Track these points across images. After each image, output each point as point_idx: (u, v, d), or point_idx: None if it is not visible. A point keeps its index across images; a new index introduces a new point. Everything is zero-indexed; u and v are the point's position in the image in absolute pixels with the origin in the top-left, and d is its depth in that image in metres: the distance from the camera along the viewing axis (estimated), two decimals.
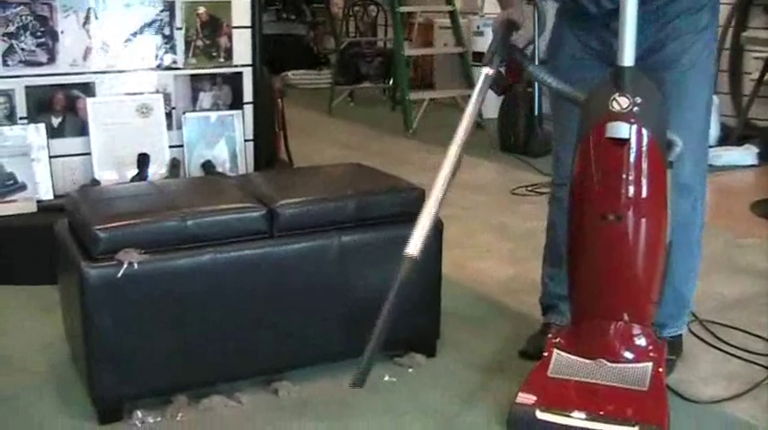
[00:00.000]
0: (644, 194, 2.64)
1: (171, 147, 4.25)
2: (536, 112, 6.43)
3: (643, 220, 2.66)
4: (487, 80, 2.78)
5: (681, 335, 3.11)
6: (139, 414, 2.66)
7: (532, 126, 6.39)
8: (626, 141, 2.59)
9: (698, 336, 3.23)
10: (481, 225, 4.65)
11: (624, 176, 2.63)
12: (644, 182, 2.63)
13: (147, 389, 2.68)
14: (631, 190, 2.63)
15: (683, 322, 3.11)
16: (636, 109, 2.57)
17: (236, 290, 2.69)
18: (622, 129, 2.59)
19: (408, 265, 2.52)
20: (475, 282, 3.84)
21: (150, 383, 2.67)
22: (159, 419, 2.67)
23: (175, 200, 2.84)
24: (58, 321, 3.10)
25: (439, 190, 2.63)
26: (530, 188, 5.41)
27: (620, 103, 2.59)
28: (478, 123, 7.36)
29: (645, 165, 2.62)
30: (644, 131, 2.60)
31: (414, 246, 2.54)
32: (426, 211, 2.59)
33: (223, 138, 4.35)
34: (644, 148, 2.61)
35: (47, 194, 4.01)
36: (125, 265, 2.54)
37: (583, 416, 2.56)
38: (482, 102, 2.81)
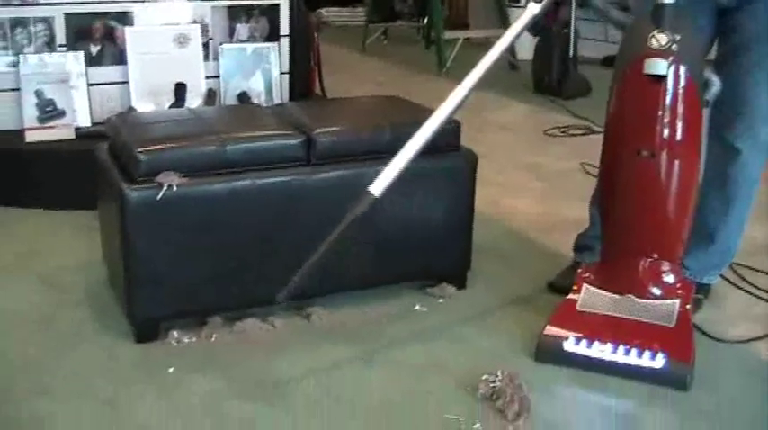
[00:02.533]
0: (679, 132, 2.65)
1: (207, 77, 4.29)
2: (571, 55, 6.40)
3: (676, 160, 2.67)
4: (531, 19, 2.69)
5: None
6: (175, 334, 2.74)
7: (567, 68, 6.37)
8: (663, 78, 2.60)
9: (726, 278, 3.24)
10: (513, 164, 4.66)
11: (660, 113, 2.64)
12: (679, 120, 2.64)
13: (183, 310, 2.75)
14: (666, 127, 2.64)
15: (722, 271, 3.15)
16: (674, 46, 2.56)
17: (272, 215, 2.74)
18: (660, 66, 2.58)
19: (367, 203, 2.49)
20: (506, 218, 3.87)
21: (186, 304, 2.74)
22: (194, 340, 2.74)
23: (214, 126, 2.88)
24: (95, 244, 3.17)
25: (427, 130, 2.58)
26: (563, 129, 5.40)
27: (659, 39, 2.58)
28: (512, 64, 7.36)
29: (681, 103, 2.63)
30: (681, 69, 2.60)
31: (378, 186, 2.51)
32: (403, 153, 2.55)
33: (259, 71, 4.38)
34: (681, 86, 2.61)
35: (85, 121, 4.07)
36: (165, 188, 2.59)
37: (609, 348, 2.60)
38: (516, 39, 2.74)
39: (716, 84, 2.67)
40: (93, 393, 2.46)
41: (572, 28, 6.34)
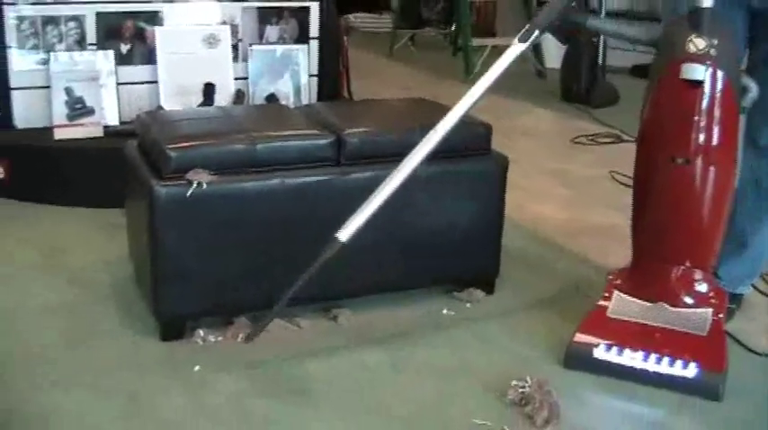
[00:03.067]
0: (715, 139, 2.61)
1: (236, 79, 4.28)
2: (599, 63, 6.35)
3: (712, 167, 2.63)
4: (515, 58, 2.64)
5: None
6: (201, 332, 2.72)
7: (596, 76, 6.33)
8: (700, 83, 2.56)
9: (758, 289, 3.20)
10: (540, 170, 4.62)
11: (696, 119, 2.60)
12: (716, 126, 2.60)
13: (210, 309, 2.74)
14: (702, 133, 2.60)
15: (754, 280, 3.10)
16: (712, 51, 2.53)
17: (300, 215, 2.72)
18: (698, 71, 2.55)
19: (335, 249, 2.50)
20: (534, 223, 3.83)
21: (213, 303, 2.72)
22: (220, 339, 2.73)
23: (244, 124, 2.87)
24: (121, 242, 3.16)
25: (400, 176, 2.55)
26: (591, 137, 5.36)
27: (697, 44, 2.54)
28: (539, 71, 7.32)
29: (718, 109, 2.59)
30: (719, 74, 2.56)
31: (347, 232, 2.50)
32: (374, 200, 2.53)
33: (288, 72, 4.37)
34: (718, 92, 2.57)
35: (113, 120, 4.07)
36: (194, 185, 2.58)
37: (641, 356, 2.56)
38: (500, 80, 2.65)
39: (753, 89, 2.63)
40: (116, 388, 2.45)
41: (601, 36, 6.29)
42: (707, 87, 2.57)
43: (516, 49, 2.67)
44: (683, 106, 2.62)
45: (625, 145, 5.19)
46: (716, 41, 2.52)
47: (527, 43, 2.67)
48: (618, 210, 4.00)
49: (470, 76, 7.02)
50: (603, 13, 6.50)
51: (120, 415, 2.34)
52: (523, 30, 2.70)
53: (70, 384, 2.46)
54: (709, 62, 2.53)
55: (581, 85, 6.34)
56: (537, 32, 2.68)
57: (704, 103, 2.58)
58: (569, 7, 2.75)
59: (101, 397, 2.40)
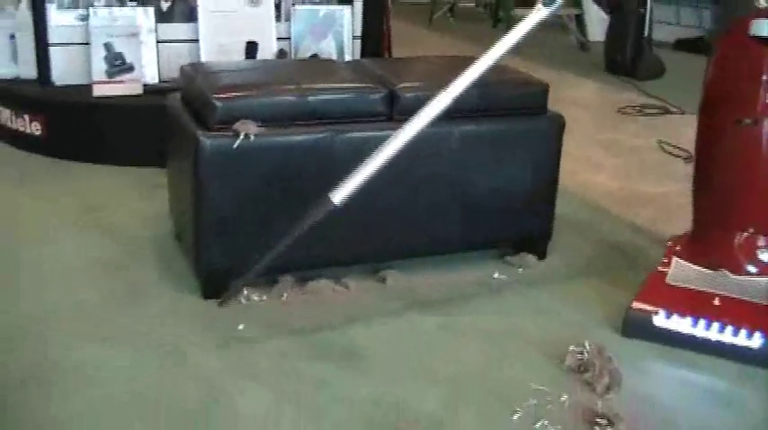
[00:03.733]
0: None
1: (278, 39, 4.18)
2: (645, 34, 6.20)
3: None
4: (538, 23, 2.47)
5: None
6: (245, 291, 2.63)
7: (641, 48, 6.17)
8: None
9: None
10: (589, 139, 4.50)
11: (765, 78, 2.48)
12: None
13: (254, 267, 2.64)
14: None
15: None
16: None
17: (350, 171, 2.61)
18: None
19: (326, 209, 2.39)
20: (584, 190, 3.72)
21: (258, 260, 2.62)
22: (264, 298, 2.64)
23: (293, 76, 2.76)
24: (160, 200, 3.10)
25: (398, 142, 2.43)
26: (637, 108, 5.23)
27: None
28: (582, 44, 7.17)
29: None
30: None
31: (341, 194, 2.39)
32: (370, 164, 2.41)
33: (331, 33, 4.26)
34: None
35: (153, 78, 3.99)
36: (241, 136, 2.48)
37: (703, 325, 2.45)
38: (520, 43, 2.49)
39: None
40: (157, 344, 2.37)
41: (648, 6, 6.13)
42: None
43: (539, 14, 2.47)
44: (750, 65, 2.50)
45: (672, 116, 5.07)
46: None
47: (552, 8, 2.48)
48: (667, 178, 3.90)
49: None
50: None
51: (160, 371, 2.26)
52: None
53: (111, 339, 2.39)
54: None
55: (626, 57, 6.19)
56: None
57: None
58: None
59: (142, 352, 2.33)
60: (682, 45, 7.23)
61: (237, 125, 2.49)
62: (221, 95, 2.53)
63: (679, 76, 5.99)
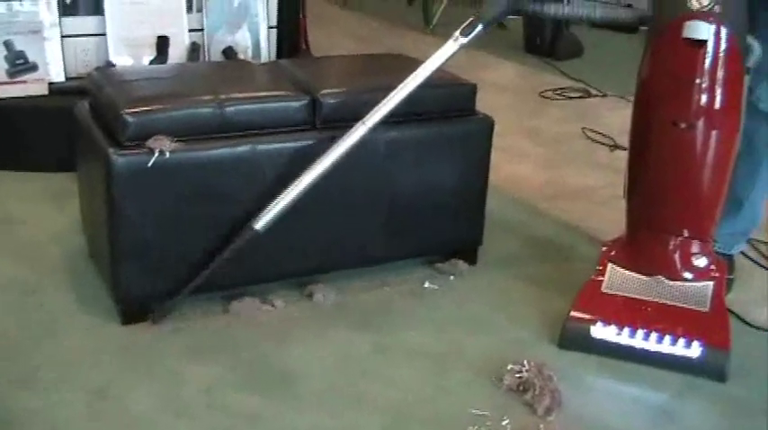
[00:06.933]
0: (718, 101, 2.43)
1: (190, 31, 3.99)
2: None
3: (715, 131, 2.46)
4: (454, 53, 2.51)
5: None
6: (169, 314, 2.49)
7: (560, 28, 6.11)
8: (704, 43, 2.38)
9: (749, 257, 3.05)
10: (511, 127, 4.41)
11: (699, 81, 2.42)
12: (719, 89, 2.42)
13: (176, 289, 2.49)
14: (705, 96, 2.42)
15: (747, 238, 2.96)
16: (717, 7, 2.35)
17: (274, 184, 2.48)
18: (701, 29, 2.37)
19: (249, 236, 2.42)
20: (512, 185, 3.63)
21: (179, 282, 2.48)
22: (187, 321, 2.50)
23: (209, 84, 2.61)
24: (71, 210, 2.93)
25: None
26: (558, 92, 5.17)
27: (701, 0, 2.35)
28: (501, 23, 7.08)
29: (722, 71, 2.41)
30: (723, 32, 2.38)
31: (263, 221, 2.42)
32: (292, 190, 2.44)
33: (246, 24, 4.09)
34: (722, 52, 2.39)
35: (58, 76, 3.77)
36: (156, 154, 2.33)
37: (641, 335, 2.40)
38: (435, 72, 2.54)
39: (757, 49, 2.46)
40: (81, 383, 2.22)
41: None
42: (710, 47, 2.39)
43: (456, 44, 2.51)
44: (684, 67, 2.44)
45: (593, 100, 5.04)
46: None
47: (469, 38, 2.51)
48: (595, 169, 3.87)
49: (430, 27, 6.78)
50: None
51: (86, 414, 2.11)
52: (466, 22, 2.53)
53: (29, 381, 2.22)
54: (713, 19, 2.35)
55: (545, 37, 6.13)
56: (480, 27, 2.52)
57: (707, 64, 2.40)
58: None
59: (62, 394, 2.17)
60: (597, 23, 7.20)
61: (151, 142, 2.34)
62: (133, 110, 2.37)
63: (599, 56, 5.98)
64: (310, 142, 2.52)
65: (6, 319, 2.50)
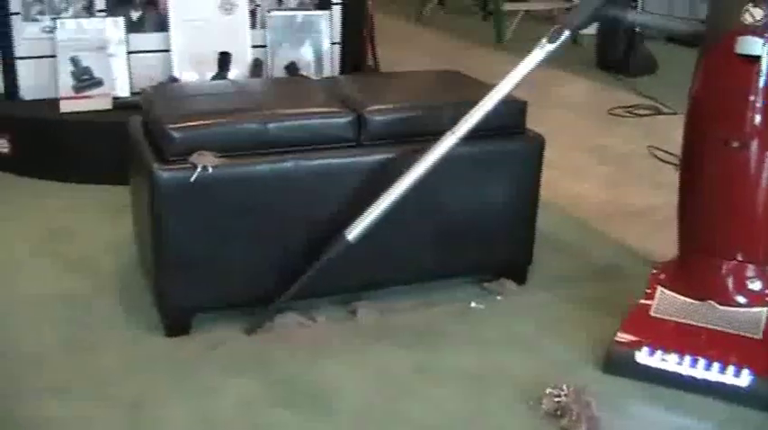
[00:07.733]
0: None
1: (254, 47, 4.04)
2: (637, 29, 6.04)
3: None
4: (542, 60, 2.50)
5: None
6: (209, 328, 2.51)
7: (633, 44, 6.01)
8: (758, 59, 2.32)
9: None
10: (576, 145, 4.36)
11: (752, 99, 2.36)
12: None
13: (218, 303, 2.52)
14: (759, 115, 2.36)
15: None
16: None
17: (317, 201, 2.49)
18: (755, 45, 2.32)
19: (342, 247, 2.45)
20: (569, 204, 3.58)
21: (222, 296, 2.50)
22: (230, 335, 2.51)
23: (257, 101, 2.64)
24: (126, 223, 2.96)
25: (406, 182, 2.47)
26: (628, 109, 5.08)
27: (754, 14, 2.31)
28: (574, 38, 7.01)
29: None
30: None
31: (355, 232, 2.45)
32: (383, 200, 2.45)
33: (309, 40, 4.12)
34: None
35: (124, 91, 3.85)
36: (198, 169, 2.35)
37: (688, 361, 2.33)
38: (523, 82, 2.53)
39: None
40: (116, 395, 2.24)
41: (639, 1, 5.98)
42: (765, 63, 2.32)
43: (543, 51, 2.50)
44: (737, 84, 2.38)
45: (664, 117, 4.93)
46: None
47: (556, 44, 2.50)
48: (658, 188, 3.77)
49: (502, 42, 6.75)
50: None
51: (117, 427, 2.13)
52: (552, 29, 2.51)
53: (67, 390, 2.25)
54: (767, 35, 2.29)
55: (617, 52, 6.04)
56: (567, 33, 2.51)
57: (761, 81, 2.34)
58: (604, 4, 2.55)
59: (100, 405, 2.20)
60: (674, 38, 7.07)
61: (194, 157, 2.36)
62: (177, 125, 2.40)
63: (671, 72, 5.85)
64: (355, 159, 2.52)
65: (50, 329, 2.54)
